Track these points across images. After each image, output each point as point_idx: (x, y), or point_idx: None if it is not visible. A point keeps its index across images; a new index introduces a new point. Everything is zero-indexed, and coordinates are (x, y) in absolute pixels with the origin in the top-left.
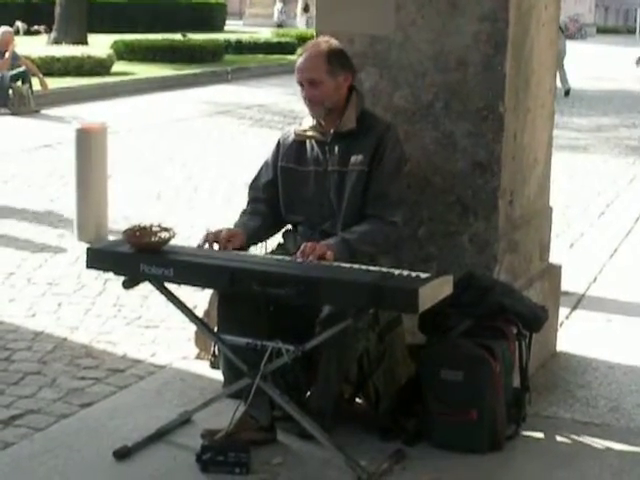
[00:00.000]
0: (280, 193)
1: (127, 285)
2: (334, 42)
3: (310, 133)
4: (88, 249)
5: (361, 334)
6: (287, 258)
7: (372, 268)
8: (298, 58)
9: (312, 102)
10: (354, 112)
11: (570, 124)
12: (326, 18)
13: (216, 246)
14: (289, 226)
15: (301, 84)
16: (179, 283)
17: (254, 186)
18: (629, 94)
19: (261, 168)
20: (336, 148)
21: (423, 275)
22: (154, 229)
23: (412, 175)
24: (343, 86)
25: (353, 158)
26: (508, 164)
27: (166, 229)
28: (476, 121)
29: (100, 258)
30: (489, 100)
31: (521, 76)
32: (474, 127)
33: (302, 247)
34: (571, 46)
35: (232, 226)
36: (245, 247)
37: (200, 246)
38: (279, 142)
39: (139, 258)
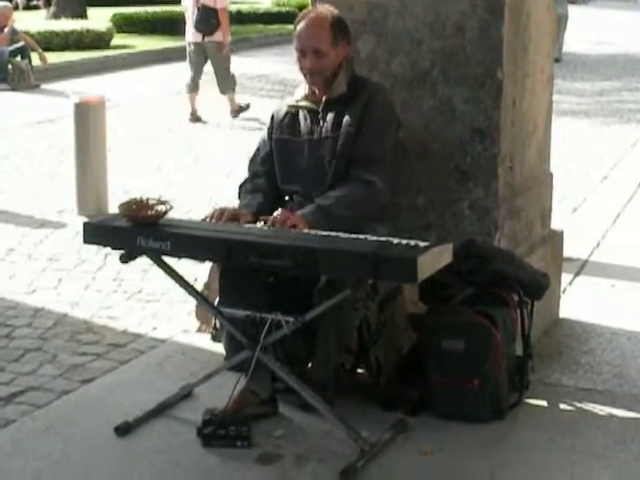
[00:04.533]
0: (276, 165)
1: (124, 259)
2: (335, 11)
3: (303, 103)
4: (85, 224)
5: (359, 304)
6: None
7: (370, 237)
8: (297, 25)
9: (312, 72)
10: (345, 77)
11: (572, 89)
12: None
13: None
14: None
15: (302, 52)
16: (176, 256)
17: (253, 161)
18: (631, 58)
19: (258, 144)
20: (328, 115)
21: (422, 244)
22: (150, 202)
23: (410, 143)
24: (341, 55)
25: (344, 121)
26: (507, 130)
27: (163, 202)
28: (474, 87)
29: (97, 233)
30: (487, 66)
31: (519, 41)
32: (472, 93)
33: (273, 216)
34: (573, 11)
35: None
36: None
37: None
38: (272, 116)
39: (136, 232)
